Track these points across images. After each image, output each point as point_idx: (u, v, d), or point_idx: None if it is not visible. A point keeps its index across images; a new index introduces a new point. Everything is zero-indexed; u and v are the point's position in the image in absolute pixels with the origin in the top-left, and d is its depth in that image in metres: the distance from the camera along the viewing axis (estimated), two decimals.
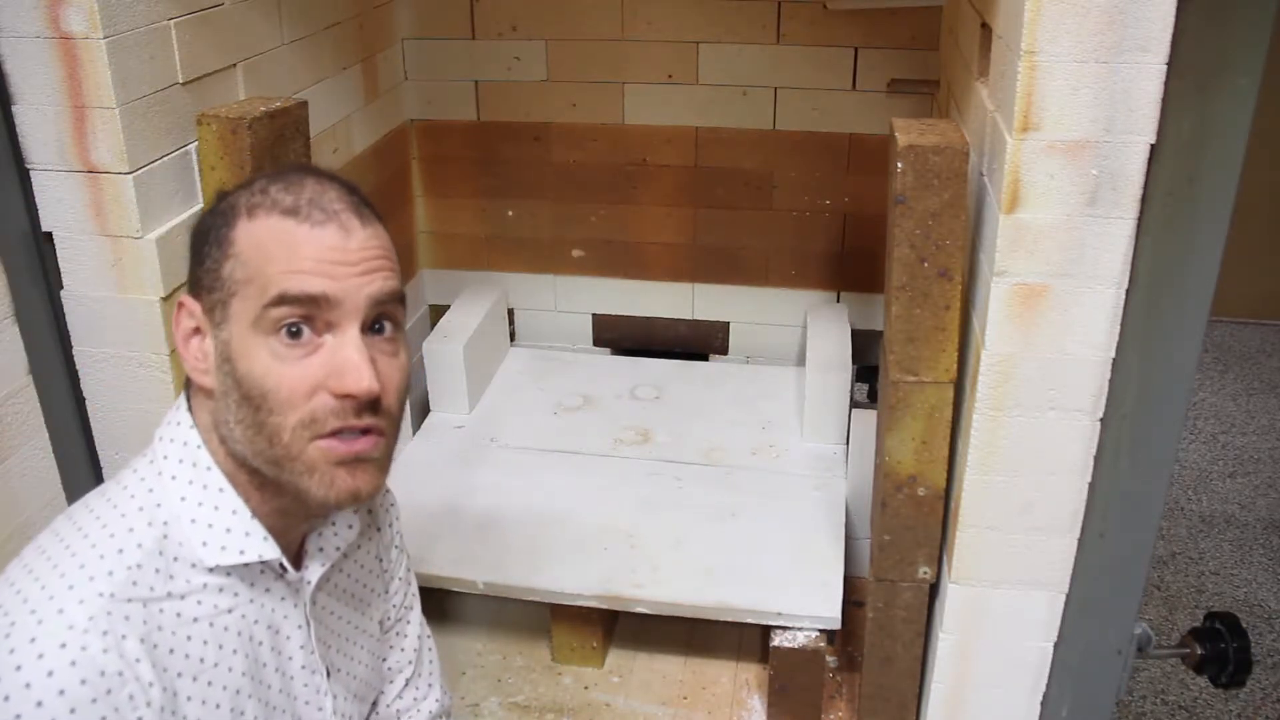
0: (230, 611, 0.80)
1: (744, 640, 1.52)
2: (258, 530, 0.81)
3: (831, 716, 1.40)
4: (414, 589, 1.10)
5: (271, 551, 0.81)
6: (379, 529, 1.02)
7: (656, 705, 1.42)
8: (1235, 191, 0.91)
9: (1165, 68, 0.87)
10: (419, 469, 1.67)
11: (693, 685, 1.45)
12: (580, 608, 1.42)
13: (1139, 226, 0.93)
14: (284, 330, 0.75)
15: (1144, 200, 0.92)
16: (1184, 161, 0.90)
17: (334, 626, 0.93)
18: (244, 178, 1.17)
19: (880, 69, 1.79)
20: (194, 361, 0.80)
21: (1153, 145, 0.90)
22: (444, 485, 1.63)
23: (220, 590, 0.80)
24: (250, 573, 0.82)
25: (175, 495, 0.79)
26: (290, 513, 0.84)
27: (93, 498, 0.81)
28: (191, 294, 0.80)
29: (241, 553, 0.80)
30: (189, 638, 0.77)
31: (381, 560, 1.02)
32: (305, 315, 0.75)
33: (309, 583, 0.87)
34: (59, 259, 1.17)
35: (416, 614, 1.10)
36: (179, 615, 0.76)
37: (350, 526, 0.92)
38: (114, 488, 0.81)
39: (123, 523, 0.77)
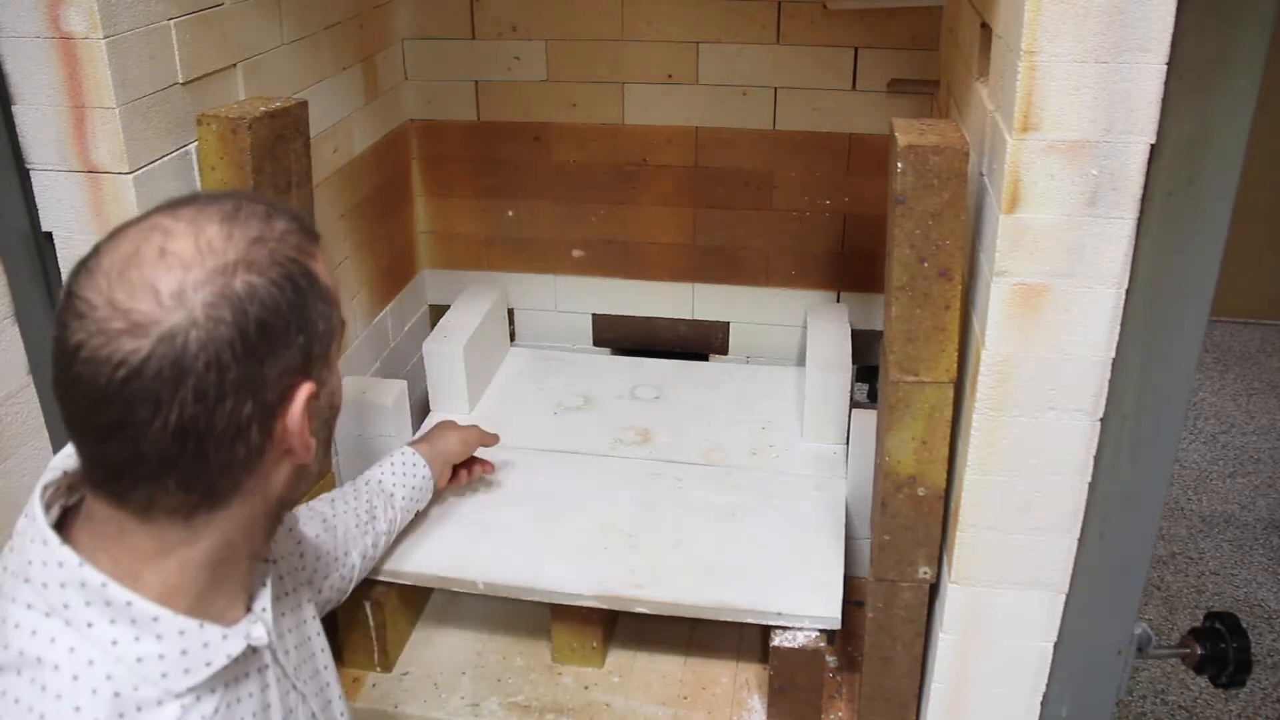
0: (217, 711, 0.75)
1: (744, 640, 1.52)
2: (214, 634, 0.74)
3: (831, 716, 1.40)
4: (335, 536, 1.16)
5: (236, 645, 0.76)
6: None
7: (656, 705, 1.42)
8: (1235, 191, 0.91)
9: (1165, 68, 0.87)
10: None
11: (693, 685, 1.45)
12: (580, 608, 1.42)
13: (1139, 226, 0.93)
14: None
15: (1144, 200, 0.92)
16: (1184, 161, 0.90)
17: (298, 650, 0.91)
18: (244, 179, 1.17)
19: (880, 69, 1.79)
20: (311, 442, 0.74)
21: (1153, 145, 0.90)
22: None
23: (199, 699, 0.73)
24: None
25: (104, 643, 0.69)
26: (241, 580, 0.79)
27: (9, 684, 0.68)
28: (305, 376, 0.71)
29: (208, 665, 0.73)
30: None
31: (305, 565, 1.04)
32: None
33: (264, 609, 0.81)
34: (59, 259, 1.17)
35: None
36: None
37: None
38: (27, 665, 0.68)
39: (63, 705, 0.67)
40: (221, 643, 0.74)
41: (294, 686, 0.86)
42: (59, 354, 0.66)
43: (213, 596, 0.75)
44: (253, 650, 0.79)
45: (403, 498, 1.38)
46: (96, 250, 0.68)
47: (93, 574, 0.69)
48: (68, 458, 0.78)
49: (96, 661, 0.69)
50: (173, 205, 0.70)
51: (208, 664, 0.73)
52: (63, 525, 0.75)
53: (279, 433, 0.71)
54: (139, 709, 0.69)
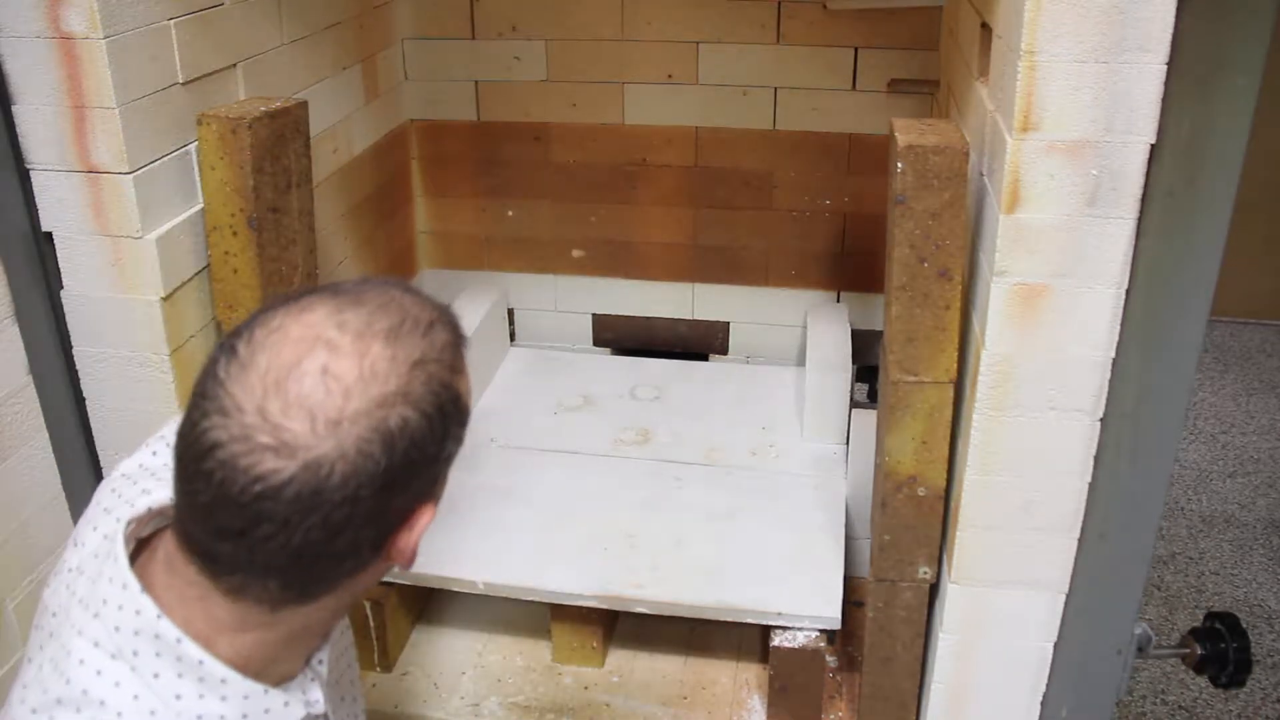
0: None
1: (744, 640, 1.52)
2: (277, 700, 0.74)
3: (831, 716, 1.40)
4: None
5: (296, 712, 0.75)
6: None
7: (656, 705, 1.42)
8: (1235, 191, 0.91)
9: (1165, 68, 0.87)
10: None
11: (693, 685, 1.45)
12: (580, 608, 1.42)
13: (1139, 226, 0.93)
14: None
15: (1144, 200, 0.92)
16: (1184, 161, 0.90)
17: (338, 691, 0.91)
18: (243, 179, 1.17)
19: (880, 69, 1.79)
20: (417, 554, 0.72)
21: (1153, 145, 0.90)
22: None
23: None
24: None
25: (166, 695, 0.69)
26: (309, 649, 0.78)
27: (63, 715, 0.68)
28: (429, 499, 0.71)
29: None
30: None
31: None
32: None
33: (320, 662, 0.81)
34: (59, 259, 1.17)
35: None
36: None
37: None
38: (90, 707, 0.68)
39: None
40: (283, 709, 0.74)
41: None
42: (191, 439, 0.63)
43: (279, 663, 0.75)
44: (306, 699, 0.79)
45: None
46: (250, 339, 0.65)
47: (169, 628, 0.68)
48: (146, 494, 0.77)
49: (158, 713, 0.68)
50: (340, 303, 0.67)
51: None
52: (135, 555, 0.74)
53: (387, 547, 0.70)
54: None
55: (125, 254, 1.15)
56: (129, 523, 0.73)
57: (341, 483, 0.62)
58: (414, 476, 0.67)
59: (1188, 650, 1.24)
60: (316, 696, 0.78)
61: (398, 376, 0.65)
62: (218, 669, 0.69)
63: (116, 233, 1.14)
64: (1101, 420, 1.02)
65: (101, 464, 1.26)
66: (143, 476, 0.81)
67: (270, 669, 0.73)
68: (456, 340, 0.71)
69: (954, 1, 1.46)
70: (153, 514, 0.76)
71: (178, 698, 0.69)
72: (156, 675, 0.69)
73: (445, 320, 0.71)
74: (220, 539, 0.64)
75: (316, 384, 0.62)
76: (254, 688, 0.71)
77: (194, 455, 0.63)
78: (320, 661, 0.79)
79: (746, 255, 1.97)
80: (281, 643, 0.72)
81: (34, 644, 0.76)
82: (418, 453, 0.66)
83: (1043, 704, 1.16)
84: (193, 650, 0.68)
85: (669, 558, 1.46)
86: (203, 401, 0.63)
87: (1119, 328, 0.97)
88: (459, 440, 0.71)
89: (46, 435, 1.21)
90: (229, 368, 0.63)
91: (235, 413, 0.62)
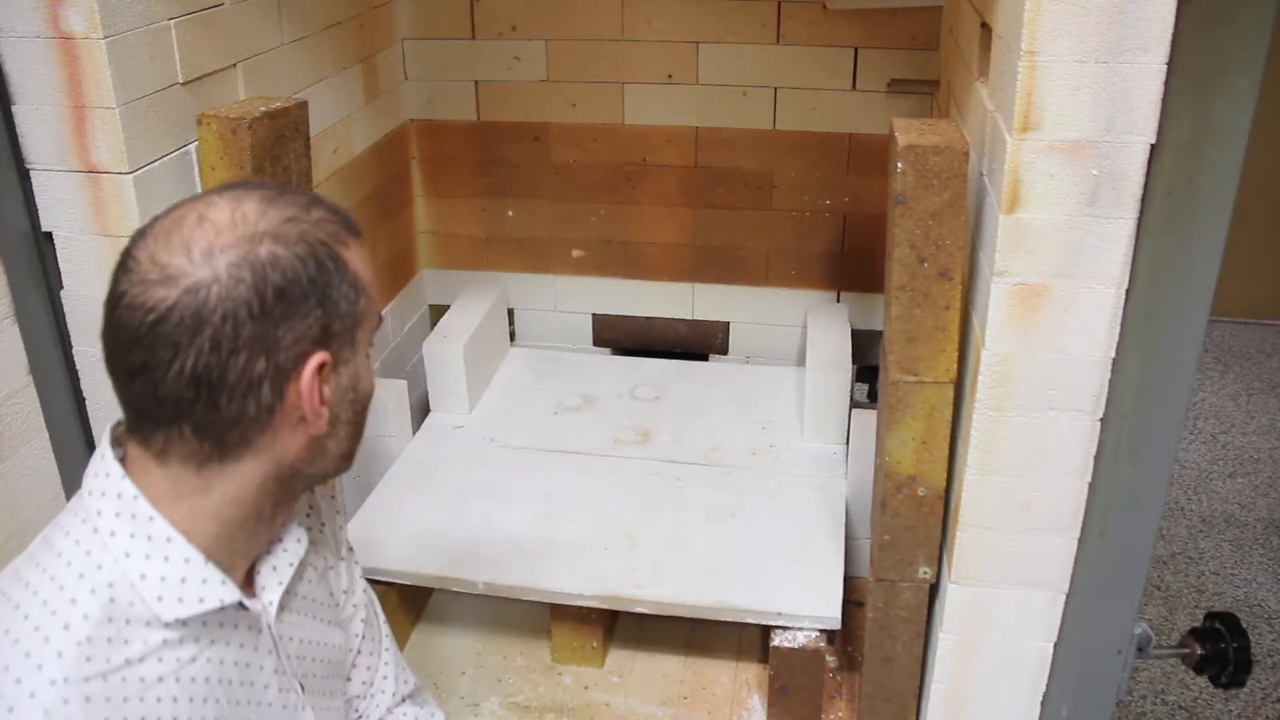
0: (194, 660, 0.78)
1: (744, 640, 1.52)
2: (214, 574, 0.77)
3: (831, 716, 1.40)
4: (358, 570, 1.08)
5: (231, 594, 0.78)
6: (324, 526, 0.99)
7: (656, 705, 1.42)
8: (1235, 191, 0.91)
9: (1165, 68, 0.87)
10: (419, 469, 1.67)
11: (693, 685, 1.45)
12: (580, 608, 1.42)
13: (1139, 226, 0.93)
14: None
15: (1144, 200, 0.92)
16: (1184, 161, 0.90)
17: (302, 636, 0.91)
18: (242, 178, 1.17)
19: (880, 69, 1.79)
20: (323, 412, 0.77)
21: (1153, 145, 0.90)
22: (444, 485, 1.63)
23: (181, 642, 0.77)
24: (210, 616, 0.79)
25: (118, 552, 0.75)
26: (246, 543, 0.81)
27: (25, 567, 0.76)
28: (322, 347, 0.75)
29: (201, 600, 0.76)
30: (158, 699, 0.75)
31: (327, 559, 0.99)
32: None
33: (271, 603, 0.84)
34: (59, 259, 1.17)
35: (359, 595, 1.07)
36: (142, 679, 0.74)
37: (299, 540, 0.89)
38: (46, 554, 0.76)
39: (62, 595, 0.73)
40: (220, 586, 0.78)
41: (286, 670, 0.87)
42: (108, 303, 0.73)
43: (218, 555, 0.79)
44: (242, 608, 0.81)
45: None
46: (154, 220, 0.75)
47: (130, 486, 0.76)
48: None
49: (105, 567, 0.74)
50: (224, 185, 0.79)
51: (201, 600, 0.77)
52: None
53: (291, 396, 0.75)
54: (128, 622, 0.74)
55: None
56: (117, 424, 0.80)
57: (218, 303, 0.70)
58: (291, 311, 0.73)
59: (1188, 650, 1.24)
60: (255, 606, 0.83)
61: (268, 221, 0.74)
62: (166, 528, 0.76)
63: (116, 233, 1.14)
64: (1101, 420, 1.02)
65: None
66: None
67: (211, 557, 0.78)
68: (341, 222, 0.78)
69: (954, 1, 1.46)
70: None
71: (127, 555, 0.75)
72: (113, 534, 0.75)
73: (331, 209, 0.78)
74: (131, 378, 0.73)
75: (194, 228, 0.72)
76: (195, 554, 0.77)
77: (108, 313, 0.73)
78: (271, 604, 0.84)
79: (746, 255, 1.97)
80: (216, 519, 0.77)
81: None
82: (290, 287, 0.73)
83: (1043, 704, 1.16)
84: (145, 507, 0.75)
85: (669, 558, 1.46)
86: (115, 273, 0.73)
87: (1119, 328, 0.97)
88: (351, 301, 0.77)
89: (46, 435, 1.21)
90: (134, 241, 0.74)
91: (135, 267, 0.72)
